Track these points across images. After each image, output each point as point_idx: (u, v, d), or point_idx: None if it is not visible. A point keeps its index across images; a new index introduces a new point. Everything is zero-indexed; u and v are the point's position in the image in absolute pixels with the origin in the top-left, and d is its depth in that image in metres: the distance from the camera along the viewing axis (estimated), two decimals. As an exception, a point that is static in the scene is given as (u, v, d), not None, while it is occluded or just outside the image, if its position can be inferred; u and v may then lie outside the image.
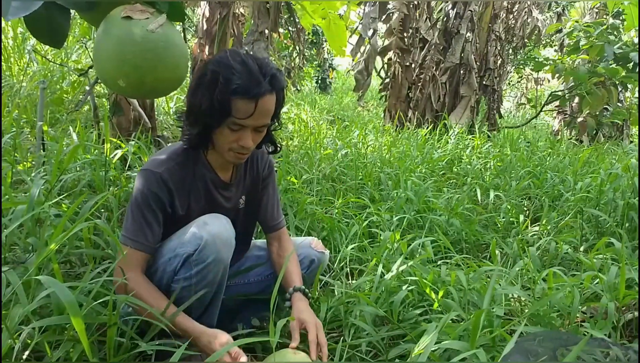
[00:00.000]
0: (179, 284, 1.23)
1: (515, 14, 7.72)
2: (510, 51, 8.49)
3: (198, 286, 1.22)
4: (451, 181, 3.46)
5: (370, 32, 5.33)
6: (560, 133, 6.89)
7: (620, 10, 6.59)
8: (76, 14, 1.58)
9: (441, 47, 6.27)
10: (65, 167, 1.89)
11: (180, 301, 1.22)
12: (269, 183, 1.54)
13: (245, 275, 1.55)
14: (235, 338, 1.10)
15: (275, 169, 1.60)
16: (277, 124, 1.38)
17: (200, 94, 1.21)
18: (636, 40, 5.91)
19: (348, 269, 1.88)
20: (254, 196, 1.51)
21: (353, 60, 5.73)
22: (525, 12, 7.87)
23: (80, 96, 3.85)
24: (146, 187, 1.26)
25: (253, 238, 1.64)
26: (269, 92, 1.20)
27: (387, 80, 6.67)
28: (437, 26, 6.35)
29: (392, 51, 6.45)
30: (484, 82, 6.52)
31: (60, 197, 1.87)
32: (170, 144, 2.03)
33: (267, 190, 1.53)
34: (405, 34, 6.37)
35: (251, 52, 2.97)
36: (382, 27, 6.65)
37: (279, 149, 1.46)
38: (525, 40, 8.28)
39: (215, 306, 1.33)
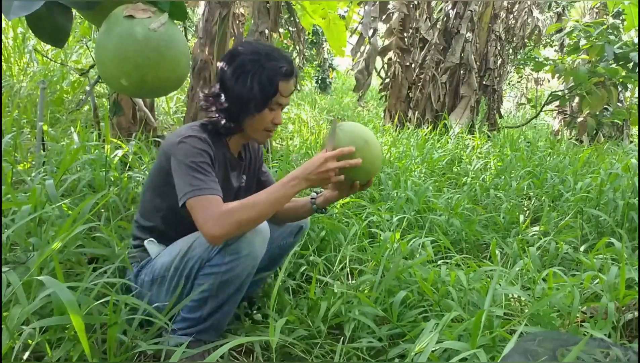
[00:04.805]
0: (207, 270, 1.24)
1: (515, 14, 7.71)
2: (510, 51, 8.48)
3: (224, 277, 1.23)
4: (451, 181, 3.46)
5: (370, 32, 5.33)
6: (560, 133, 6.89)
7: (620, 10, 6.59)
8: (77, 13, 1.58)
9: (441, 47, 6.26)
10: (66, 167, 1.89)
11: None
12: (262, 162, 1.65)
13: None
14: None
15: (276, 170, 1.64)
16: None
17: (246, 82, 1.29)
18: (636, 40, 5.90)
19: (348, 269, 1.87)
20: (252, 175, 1.59)
21: (353, 60, 5.73)
22: (525, 12, 7.86)
23: (81, 96, 3.85)
24: (193, 147, 1.26)
25: None
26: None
27: (387, 80, 6.67)
28: (437, 26, 6.35)
29: (392, 51, 6.45)
30: (484, 82, 6.52)
31: (62, 198, 1.86)
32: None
33: (263, 168, 1.64)
34: (405, 34, 6.37)
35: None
36: (382, 27, 6.65)
37: None
38: (525, 40, 8.28)
39: (232, 305, 1.31)
